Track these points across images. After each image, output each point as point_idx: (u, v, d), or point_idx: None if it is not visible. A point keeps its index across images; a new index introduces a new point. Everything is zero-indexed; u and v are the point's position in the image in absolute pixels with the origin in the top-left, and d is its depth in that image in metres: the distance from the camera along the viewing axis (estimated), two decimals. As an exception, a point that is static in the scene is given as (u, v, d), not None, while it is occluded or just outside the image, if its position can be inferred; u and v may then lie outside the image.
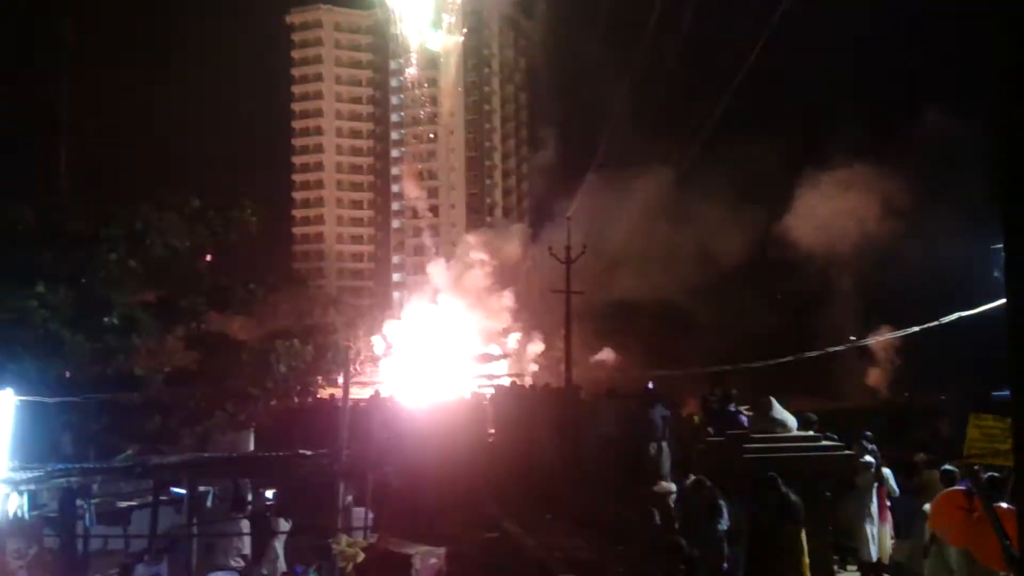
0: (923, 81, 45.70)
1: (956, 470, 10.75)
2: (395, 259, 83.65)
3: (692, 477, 12.44)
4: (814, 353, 12.47)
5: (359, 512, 13.10)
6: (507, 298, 56.80)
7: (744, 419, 14.58)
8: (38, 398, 10.78)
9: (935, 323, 11.21)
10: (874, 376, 34.46)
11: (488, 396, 24.25)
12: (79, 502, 11.13)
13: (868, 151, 39.85)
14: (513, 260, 58.16)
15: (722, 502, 11.47)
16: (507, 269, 58.23)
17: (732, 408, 14.96)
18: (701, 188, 45.52)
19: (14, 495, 9.66)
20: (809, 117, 49.25)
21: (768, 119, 49.58)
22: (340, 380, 15.09)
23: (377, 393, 23.81)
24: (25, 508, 9.95)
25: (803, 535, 11.19)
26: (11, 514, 9.69)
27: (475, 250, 60.22)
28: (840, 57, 48.49)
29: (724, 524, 11.38)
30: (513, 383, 27.23)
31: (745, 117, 46.68)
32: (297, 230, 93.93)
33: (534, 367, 51.48)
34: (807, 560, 11.11)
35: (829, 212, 39.22)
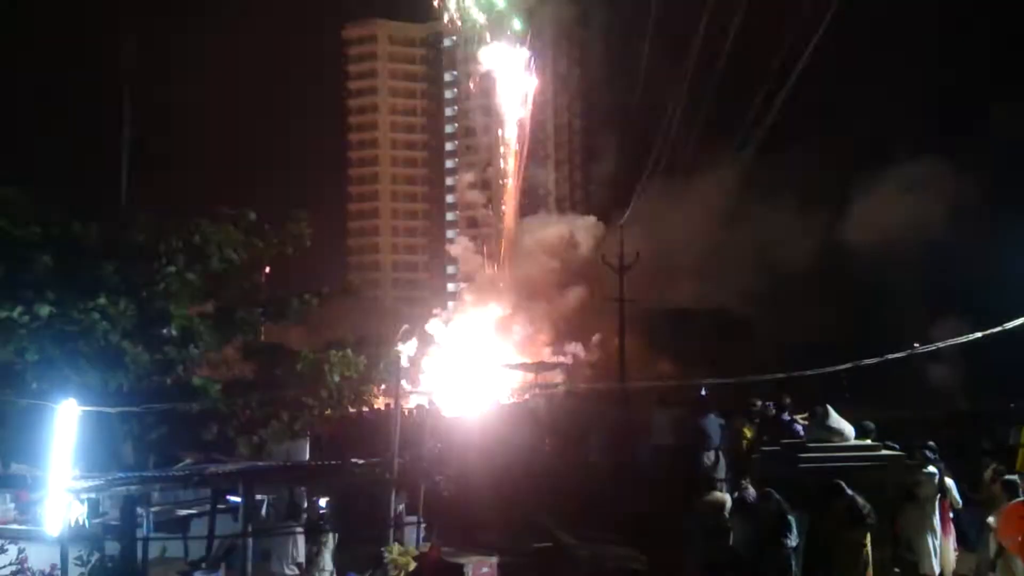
0: (991, 77, 44.38)
1: (1018, 480, 10.42)
2: (449, 268, 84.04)
3: (748, 488, 12.24)
4: (872, 360, 12.18)
5: (411, 520, 13.17)
6: (564, 304, 56.42)
7: (799, 428, 14.32)
8: (100, 408, 11.04)
9: (998, 328, 10.89)
10: (940, 378, 33.41)
11: (542, 404, 24.20)
12: (138, 510, 11.37)
13: (933, 149, 38.97)
14: (577, 258, 57.10)
15: (791, 517, 11.26)
16: (568, 269, 57.49)
17: (786, 417, 14.69)
18: (761, 192, 44.95)
19: (76, 503, 9.90)
20: (872, 115, 48.17)
21: (829, 119, 48.65)
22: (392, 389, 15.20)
23: (429, 402, 23.95)
24: (86, 516, 10.20)
25: (869, 541, 10.98)
26: (73, 522, 9.94)
27: (535, 243, 59.43)
28: (903, 52, 47.21)
29: (793, 540, 11.17)
30: (567, 392, 27.16)
31: (805, 118, 45.97)
32: (353, 241, 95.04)
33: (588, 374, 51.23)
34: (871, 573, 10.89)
35: (892, 212, 38.44)
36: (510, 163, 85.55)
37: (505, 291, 60.42)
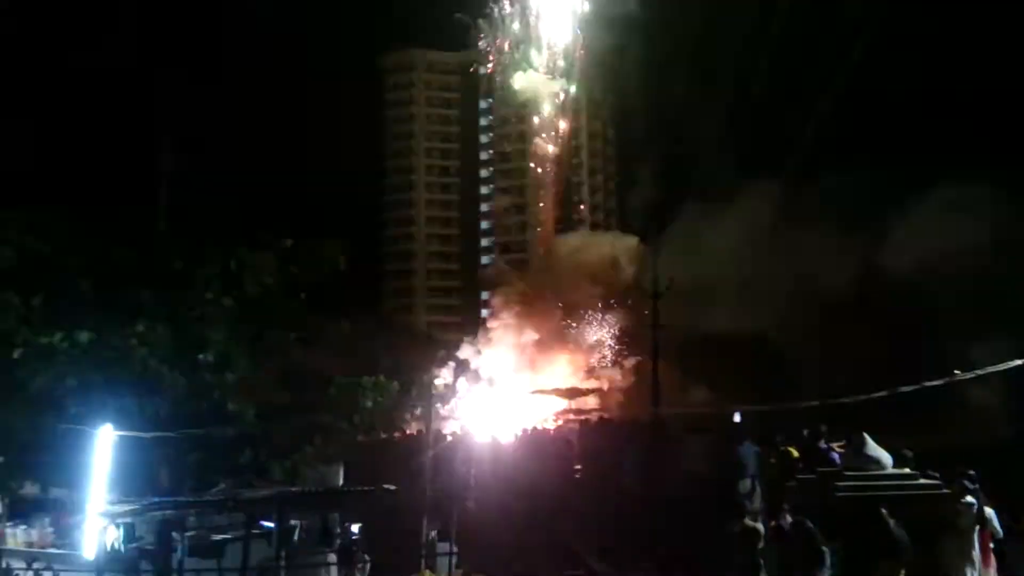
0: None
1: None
2: (484, 294, 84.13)
3: (786, 517, 12.05)
4: (909, 388, 12.02)
5: (443, 547, 13.14)
6: (600, 327, 56.03)
7: (836, 456, 14.10)
8: (137, 433, 11.19)
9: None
10: (983, 404, 32.70)
11: (575, 431, 24.08)
12: (173, 534, 11.47)
13: (975, 172, 38.43)
14: (616, 281, 56.27)
15: (825, 548, 11.06)
16: (606, 292, 56.85)
17: (823, 445, 14.47)
18: (799, 217, 44.56)
19: (112, 528, 10.01)
20: (914, 138, 47.57)
21: (872, 143, 48.08)
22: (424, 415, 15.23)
23: (462, 428, 23.97)
24: (122, 540, 10.30)
25: (904, 573, 10.75)
26: (109, 546, 10.04)
27: (574, 265, 58.81)
28: (947, 75, 46.50)
29: (825, 572, 10.97)
30: (600, 418, 27.02)
31: (849, 142, 45.52)
32: (388, 267, 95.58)
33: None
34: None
35: (934, 236, 37.99)
36: (543, 190, 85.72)
37: (540, 315, 60.19)
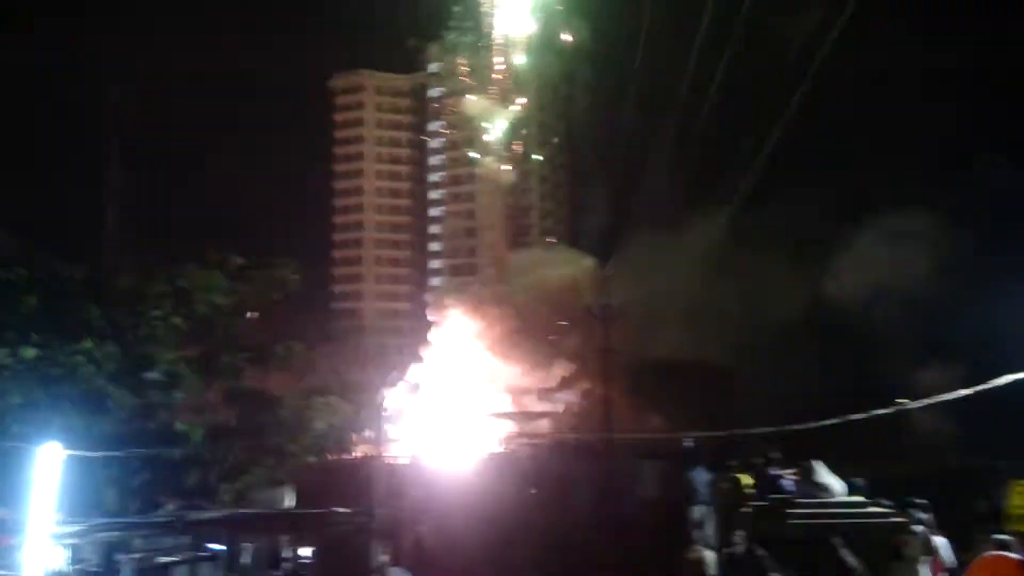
0: (980, 128, 44.84)
1: (1010, 539, 10.32)
2: (433, 316, 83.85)
3: (739, 544, 12.11)
4: (859, 416, 12.20)
5: (394, 572, 12.94)
6: (552, 352, 55.77)
7: (788, 483, 14.23)
8: (82, 452, 10.88)
9: (986, 386, 10.89)
10: (931, 431, 33.32)
11: (527, 455, 24.01)
12: (119, 556, 11.15)
13: (921, 201, 39.34)
14: (573, 302, 55.76)
15: (774, 575, 11.14)
16: (561, 314, 56.46)
17: (775, 472, 14.59)
18: (749, 243, 45.15)
19: (57, 549, 9.68)
20: (860, 166, 48.60)
21: (818, 171, 49.00)
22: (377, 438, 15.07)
23: (414, 451, 23.75)
24: (67, 562, 9.97)
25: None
26: (53, 568, 9.71)
27: (533, 286, 58.23)
28: (892, 101, 47.64)
29: None
30: (553, 442, 26.97)
31: (794, 170, 46.33)
32: (337, 288, 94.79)
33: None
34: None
35: (881, 265, 38.71)
36: (493, 213, 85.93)
37: (492, 336, 59.86)
